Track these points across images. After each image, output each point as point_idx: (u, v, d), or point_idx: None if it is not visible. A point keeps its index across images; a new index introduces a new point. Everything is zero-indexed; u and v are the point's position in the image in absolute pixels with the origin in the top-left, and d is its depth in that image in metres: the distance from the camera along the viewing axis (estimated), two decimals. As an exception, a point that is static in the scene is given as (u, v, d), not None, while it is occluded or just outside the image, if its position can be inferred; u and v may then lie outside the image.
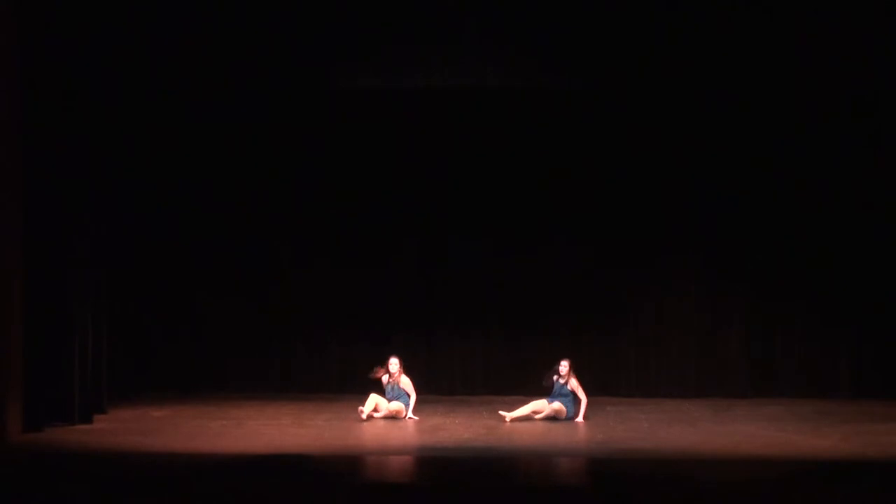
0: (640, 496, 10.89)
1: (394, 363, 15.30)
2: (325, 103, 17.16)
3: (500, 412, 15.04)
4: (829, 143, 16.90)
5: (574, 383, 15.17)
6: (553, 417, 15.07)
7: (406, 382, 15.33)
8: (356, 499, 10.82)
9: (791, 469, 11.90)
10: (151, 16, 15.70)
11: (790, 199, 17.08)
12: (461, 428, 14.54)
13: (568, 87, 16.74)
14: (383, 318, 17.18)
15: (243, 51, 16.15)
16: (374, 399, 15.02)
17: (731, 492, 10.91)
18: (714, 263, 17.32)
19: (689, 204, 17.28)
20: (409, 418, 15.11)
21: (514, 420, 14.91)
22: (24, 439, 13.75)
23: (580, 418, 15.04)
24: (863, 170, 16.92)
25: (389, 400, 15.21)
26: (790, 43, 15.94)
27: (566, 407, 15.08)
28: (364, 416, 14.87)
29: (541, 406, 15.09)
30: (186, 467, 11.99)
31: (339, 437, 14.03)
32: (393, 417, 15.09)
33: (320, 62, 16.33)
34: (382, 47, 16.22)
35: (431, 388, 17.52)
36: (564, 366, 15.15)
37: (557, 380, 15.16)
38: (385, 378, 15.33)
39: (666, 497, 10.82)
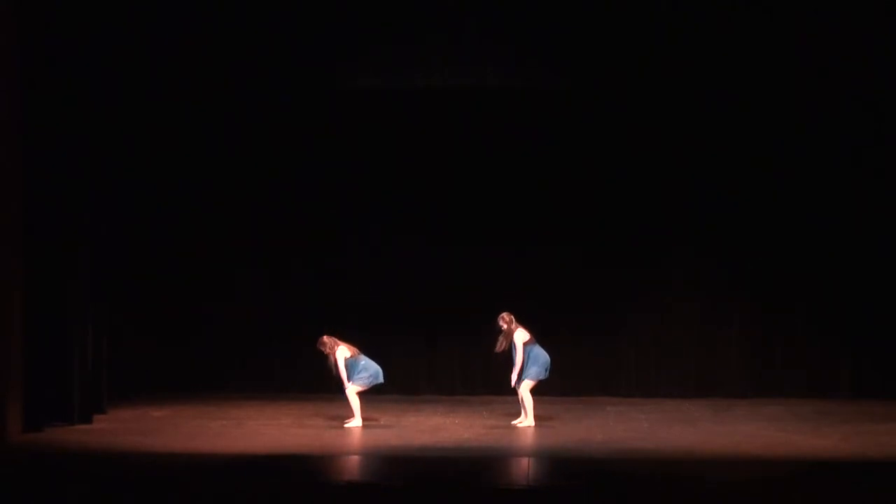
0: (640, 496, 10.89)
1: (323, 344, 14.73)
2: (325, 103, 17.16)
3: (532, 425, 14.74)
4: (829, 144, 16.90)
5: (518, 336, 14.46)
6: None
7: (339, 360, 14.64)
8: (356, 499, 10.82)
9: (791, 469, 11.91)
10: (151, 16, 15.70)
11: (790, 200, 17.08)
12: (461, 428, 14.54)
13: (568, 87, 16.74)
14: (384, 317, 17.17)
15: (243, 51, 16.15)
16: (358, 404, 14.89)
17: (731, 492, 10.91)
18: (714, 263, 17.32)
19: (689, 204, 17.27)
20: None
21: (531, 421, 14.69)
22: (24, 439, 13.75)
23: (513, 382, 14.44)
24: (863, 170, 16.92)
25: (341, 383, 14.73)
26: (790, 43, 15.95)
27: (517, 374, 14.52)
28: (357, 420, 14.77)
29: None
30: (186, 467, 12.00)
31: (339, 437, 14.03)
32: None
33: (320, 62, 16.33)
34: (382, 47, 16.24)
35: (431, 388, 17.55)
36: (500, 319, 14.57)
37: (503, 340, 14.59)
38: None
39: (666, 497, 10.82)
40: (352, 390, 14.60)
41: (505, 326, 14.60)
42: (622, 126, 17.13)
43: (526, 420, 14.64)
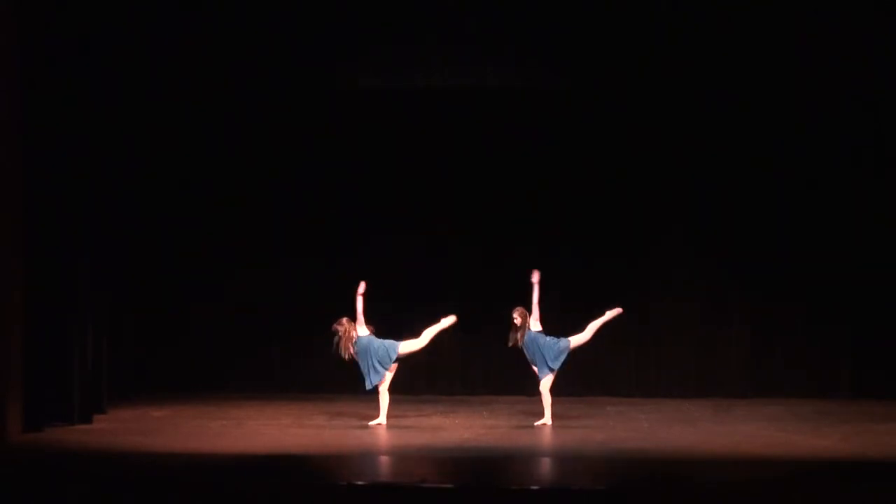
0: (640, 496, 10.89)
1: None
2: (325, 103, 17.16)
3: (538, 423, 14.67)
4: (829, 144, 16.91)
5: (534, 328, 14.42)
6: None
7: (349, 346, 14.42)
8: (356, 499, 10.82)
9: (791, 469, 11.90)
10: (151, 16, 15.70)
11: (790, 200, 17.09)
12: (461, 428, 14.54)
13: (568, 87, 16.74)
14: (383, 317, 17.14)
15: (243, 51, 16.15)
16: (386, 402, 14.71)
17: (731, 492, 10.90)
18: (714, 263, 17.32)
19: (689, 204, 17.29)
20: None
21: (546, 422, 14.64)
22: (24, 439, 13.74)
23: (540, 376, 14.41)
24: (863, 170, 16.92)
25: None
26: (790, 43, 15.95)
27: (538, 368, 14.50)
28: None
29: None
30: (186, 467, 11.99)
31: (339, 437, 14.02)
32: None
33: (320, 62, 16.33)
34: (382, 47, 16.24)
35: (431, 388, 17.54)
36: (515, 313, 14.50)
37: (517, 336, 14.53)
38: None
39: (666, 497, 10.82)
40: (383, 388, 14.49)
41: (519, 321, 14.55)
42: (622, 126, 17.14)
43: (544, 419, 14.59)
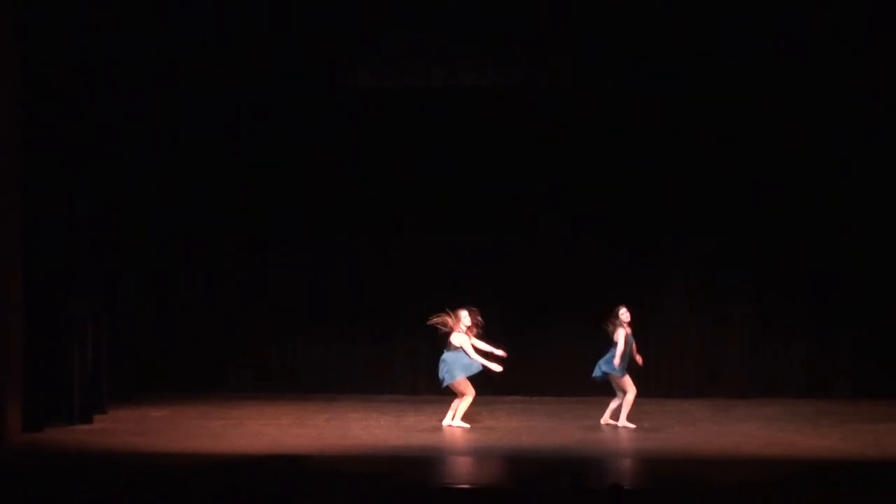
0: (641, 496, 10.89)
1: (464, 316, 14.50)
2: (325, 103, 17.16)
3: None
4: (830, 143, 16.91)
5: (621, 332, 14.58)
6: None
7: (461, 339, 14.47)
8: (356, 499, 10.83)
9: (791, 469, 11.91)
10: (152, 15, 15.70)
11: (791, 200, 17.08)
12: (461, 428, 14.53)
13: (568, 87, 16.73)
14: (383, 318, 17.17)
15: (243, 51, 16.15)
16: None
17: (731, 492, 10.91)
18: (715, 264, 17.32)
19: (689, 204, 17.27)
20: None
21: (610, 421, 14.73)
22: (24, 439, 13.76)
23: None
24: (863, 170, 16.93)
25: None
26: (791, 42, 15.95)
27: (605, 369, 14.64)
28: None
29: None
30: (186, 467, 12.00)
31: (339, 437, 14.03)
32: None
33: (320, 62, 16.33)
34: (382, 47, 16.24)
35: (431, 388, 17.53)
36: (626, 311, 14.59)
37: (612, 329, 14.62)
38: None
39: (666, 498, 10.83)
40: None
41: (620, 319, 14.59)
42: (622, 126, 17.12)
43: (621, 417, 14.60)
